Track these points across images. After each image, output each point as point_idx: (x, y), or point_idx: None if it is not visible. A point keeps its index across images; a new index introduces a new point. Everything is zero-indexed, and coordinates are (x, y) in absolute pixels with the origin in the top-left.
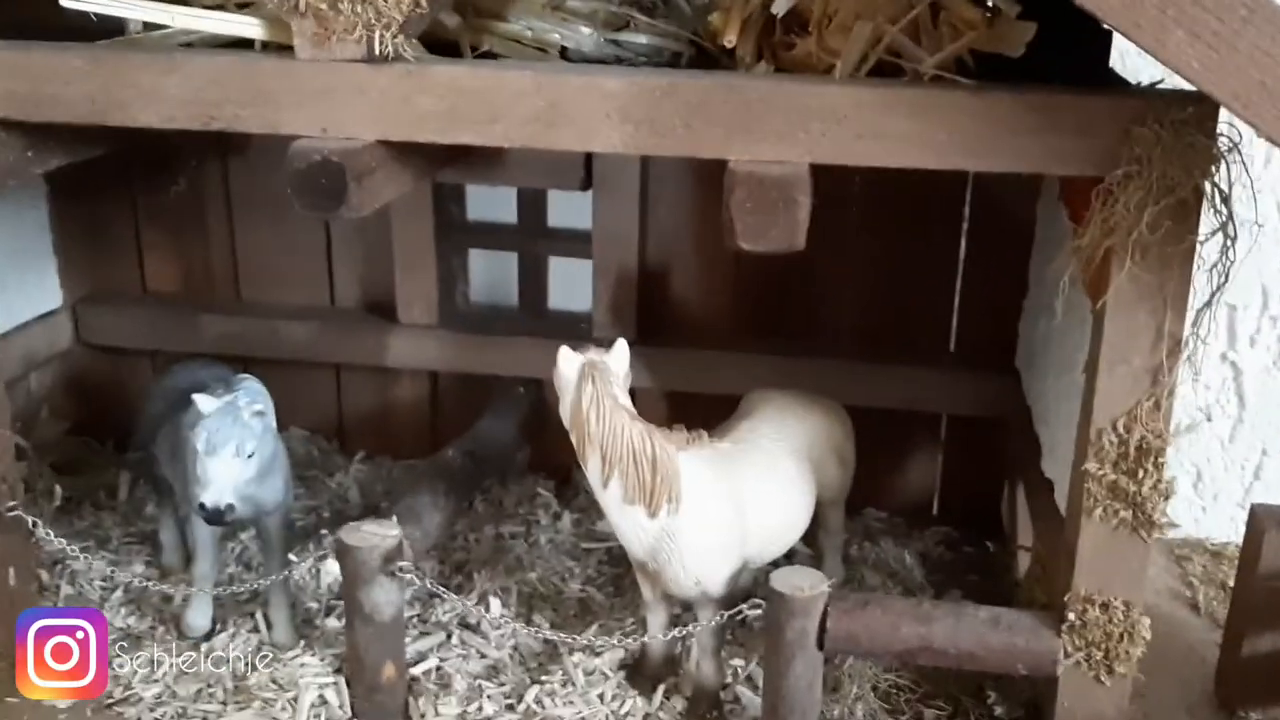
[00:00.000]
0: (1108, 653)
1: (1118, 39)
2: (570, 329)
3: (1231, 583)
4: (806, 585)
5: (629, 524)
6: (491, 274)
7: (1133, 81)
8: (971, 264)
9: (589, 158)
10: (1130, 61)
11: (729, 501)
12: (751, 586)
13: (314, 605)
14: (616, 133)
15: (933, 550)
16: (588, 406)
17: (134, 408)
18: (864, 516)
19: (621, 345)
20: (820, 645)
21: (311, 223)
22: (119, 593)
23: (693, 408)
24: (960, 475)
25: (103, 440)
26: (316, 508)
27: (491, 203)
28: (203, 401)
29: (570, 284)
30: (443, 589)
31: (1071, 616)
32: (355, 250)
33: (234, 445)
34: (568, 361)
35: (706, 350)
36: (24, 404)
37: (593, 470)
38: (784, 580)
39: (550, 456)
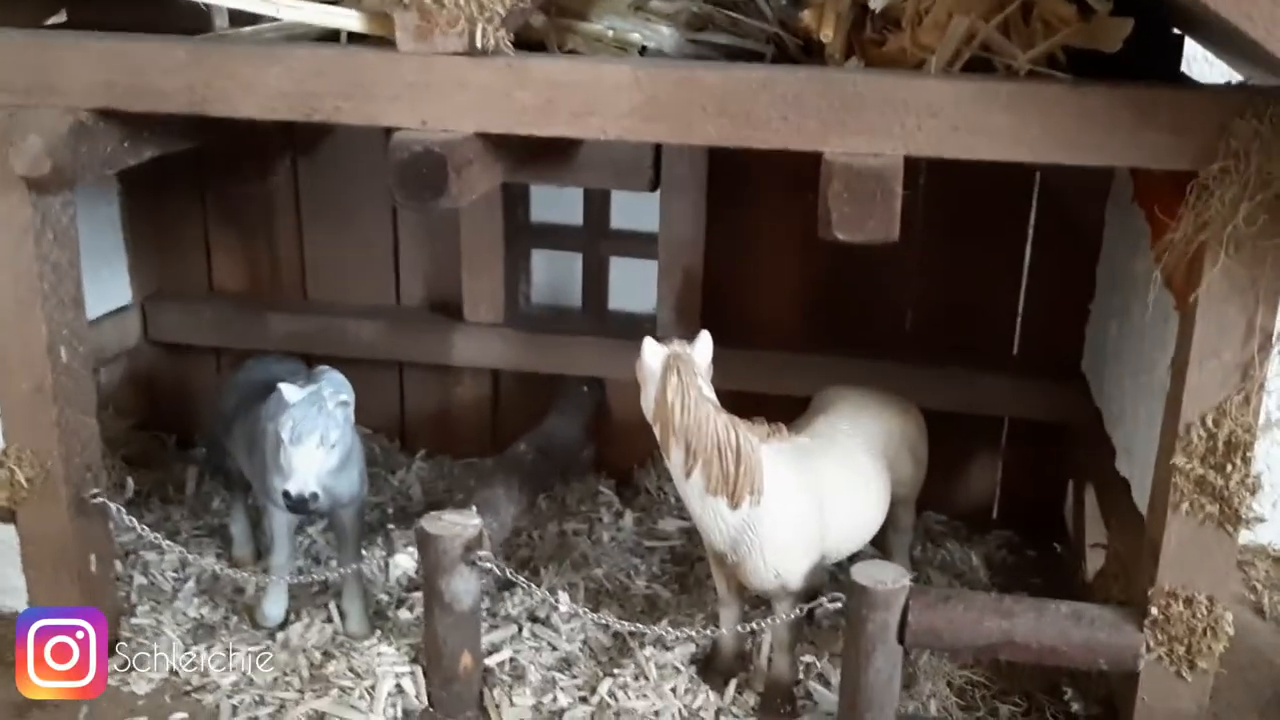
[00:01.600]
0: (1190, 648)
1: (1189, 46)
2: (634, 329)
3: None
4: (888, 578)
5: (711, 515)
6: (555, 275)
7: None
8: (1037, 267)
9: (658, 158)
10: (1197, 68)
11: (810, 495)
12: (822, 585)
13: (384, 598)
14: (713, 125)
15: (995, 554)
16: (673, 397)
17: (200, 405)
18: (925, 519)
19: (705, 337)
20: (901, 639)
21: (379, 223)
22: (191, 583)
23: (757, 409)
24: (1022, 479)
25: (166, 437)
26: (380, 504)
27: (556, 204)
28: (289, 391)
29: (633, 286)
30: (522, 579)
31: (1155, 611)
32: (421, 250)
33: (319, 434)
34: (652, 353)
35: (770, 351)
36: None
37: (676, 461)
38: (865, 573)
39: (612, 456)
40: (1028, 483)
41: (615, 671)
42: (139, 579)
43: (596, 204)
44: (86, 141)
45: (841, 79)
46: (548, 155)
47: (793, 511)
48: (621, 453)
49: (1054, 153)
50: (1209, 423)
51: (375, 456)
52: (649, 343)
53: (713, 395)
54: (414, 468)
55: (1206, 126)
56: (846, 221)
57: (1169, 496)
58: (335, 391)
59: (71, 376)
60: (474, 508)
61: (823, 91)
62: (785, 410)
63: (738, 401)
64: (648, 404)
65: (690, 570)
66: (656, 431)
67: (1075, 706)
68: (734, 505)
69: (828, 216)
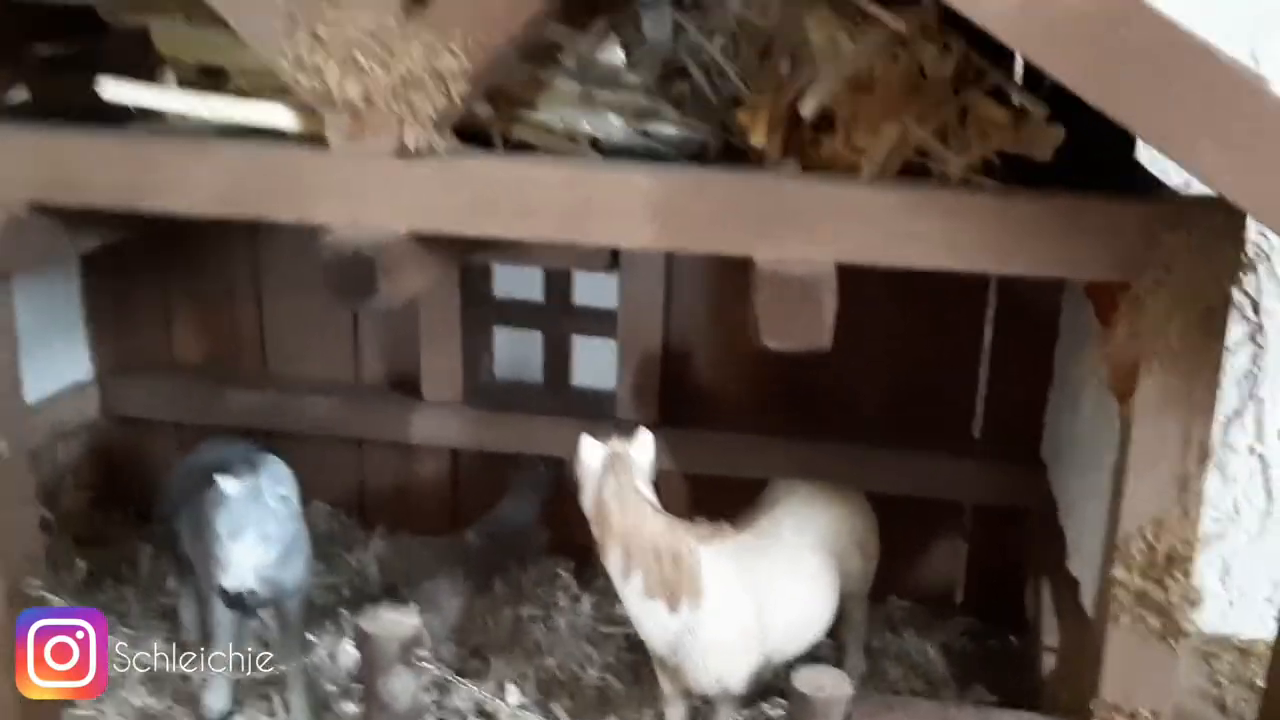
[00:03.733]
0: None
1: None
2: (594, 408)
3: (1260, 681)
4: (829, 685)
5: (649, 618)
6: (516, 351)
7: (1160, 174)
8: (997, 352)
9: None
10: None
11: (751, 597)
12: (772, 682)
13: (332, 688)
14: (647, 229)
15: (956, 642)
16: (610, 498)
17: (158, 479)
18: (886, 604)
19: (645, 435)
20: None
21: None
22: (137, 671)
23: (714, 491)
24: (985, 564)
25: (125, 511)
26: (336, 585)
27: (517, 281)
28: (226, 484)
29: (595, 362)
30: (460, 680)
31: None
32: (381, 326)
33: (257, 530)
34: (591, 451)
35: (729, 434)
36: (50, 474)
37: (614, 563)
38: (806, 680)
39: (571, 536)
40: (992, 567)
41: None
42: None
43: (558, 281)
44: (21, 235)
45: (772, 185)
46: (500, 242)
47: (733, 614)
48: (581, 532)
49: (985, 261)
50: (1148, 536)
51: (333, 533)
52: (587, 441)
53: (652, 496)
54: (372, 546)
55: (1136, 237)
56: (775, 329)
57: (1109, 608)
58: (275, 484)
59: (11, 471)
60: (412, 604)
61: (752, 197)
62: (743, 493)
63: (695, 484)
64: (587, 504)
65: (645, 660)
66: (595, 532)
67: None
68: (673, 609)
69: (756, 323)
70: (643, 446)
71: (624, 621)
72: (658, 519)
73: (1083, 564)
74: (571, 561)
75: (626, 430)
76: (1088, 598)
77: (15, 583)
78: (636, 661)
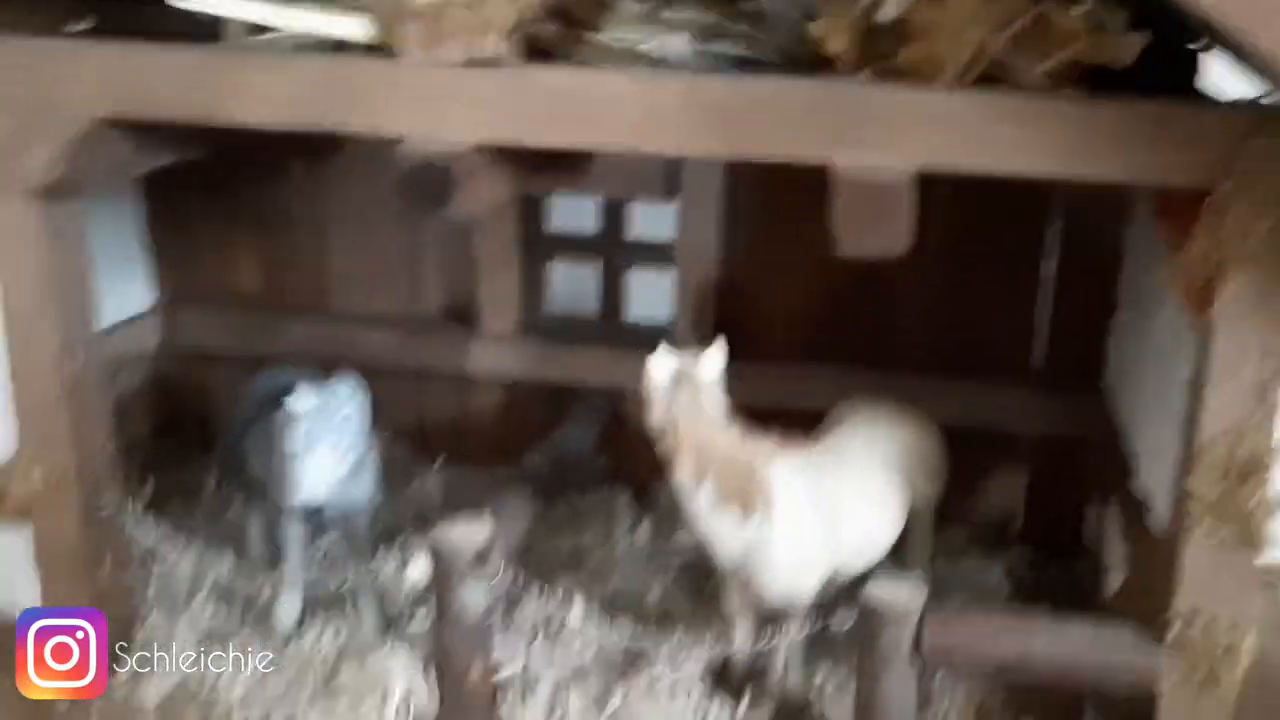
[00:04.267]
0: (1210, 670)
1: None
2: (650, 340)
3: None
4: (902, 595)
5: (719, 531)
6: (571, 286)
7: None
8: (1059, 281)
9: (675, 167)
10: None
11: (820, 510)
12: (836, 598)
13: (399, 606)
14: (717, 138)
15: (1016, 569)
16: (680, 411)
17: (219, 410)
18: (946, 536)
19: (714, 350)
20: (914, 658)
21: (398, 230)
22: (206, 589)
23: (772, 423)
24: (1044, 495)
25: (188, 440)
26: (398, 513)
27: (573, 213)
28: (299, 399)
29: (651, 296)
30: (530, 589)
31: (1174, 633)
32: (440, 258)
33: (329, 443)
34: (659, 366)
35: (787, 365)
36: (114, 402)
37: (684, 475)
38: (878, 590)
39: (628, 468)
40: (1051, 498)
41: (627, 684)
42: (155, 583)
43: (614, 214)
44: (94, 149)
45: (850, 91)
46: (562, 165)
47: (803, 527)
48: (638, 465)
49: (1064, 167)
50: (1226, 444)
51: (393, 465)
52: (656, 356)
53: (721, 409)
54: (431, 476)
55: (1219, 144)
56: (854, 236)
57: (1186, 518)
58: (346, 399)
59: (83, 386)
60: (485, 517)
61: (831, 104)
62: (801, 424)
63: (752, 416)
64: (655, 419)
65: (706, 583)
66: (664, 447)
67: None
68: (743, 519)
69: (835, 231)
70: (711, 361)
71: (684, 549)
72: (729, 430)
73: (1153, 483)
74: (629, 491)
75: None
76: (1159, 515)
77: (91, 497)
78: (697, 586)
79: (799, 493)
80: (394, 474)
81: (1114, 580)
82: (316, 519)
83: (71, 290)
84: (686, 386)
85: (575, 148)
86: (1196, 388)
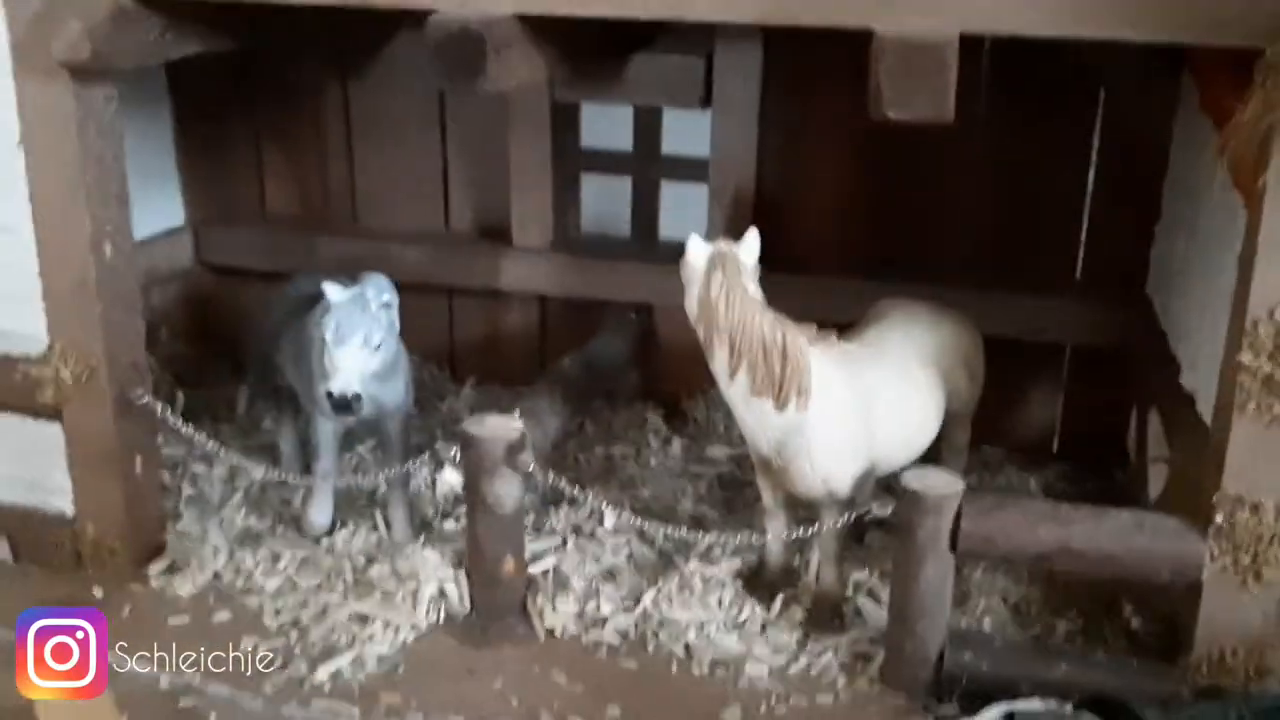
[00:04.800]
0: (1256, 557)
1: None
2: (682, 254)
3: None
4: (940, 483)
5: (755, 418)
6: (603, 204)
7: None
8: (1101, 187)
9: (709, 74)
10: None
11: (859, 398)
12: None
13: (430, 511)
14: (757, 3)
15: (1054, 484)
16: (717, 295)
17: (251, 328)
18: (981, 453)
19: (753, 235)
20: (953, 546)
21: (428, 146)
22: (239, 495)
23: None
24: (1082, 409)
25: (219, 356)
26: (429, 427)
27: (606, 129)
28: (333, 291)
29: (683, 215)
30: (566, 485)
31: (1219, 518)
32: (470, 174)
33: (362, 335)
34: (697, 250)
35: (824, 276)
36: (146, 319)
37: (720, 362)
38: (917, 478)
39: (659, 385)
40: (1088, 413)
41: (660, 583)
42: (186, 490)
43: (647, 127)
44: (126, 27)
45: None
46: (596, 69)
47: (841, 414)
48: (669, 382)
49: (1114, 27)
50: (1276, 317)
51: (424, 382)
52: (694, 240)
53: (759, 294)
54: (463, 394)
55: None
56: (898, 98)
57: (1234, 397)
58: (379, 293)
59: (115, 274)
60: (517, 413)
61: None
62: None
63: None
64: (692, 304)
65: (739, 494)
66: (700, 332)
67: (1135, 623)
68: (780, 407)
69: (878, 93)
70: (750, 245)
71: (716, 462)
72: (766, 315)
73: (1198, 377)
74: (661, 409)
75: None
76: (1206, 406)
77: (123, 391)
78: (729, 497)
79: (837, 380)
80: (425, 394)
81: (1155, 489)
82: (349, 416)
83: (104, 176)
84: (725, 268)
85: (611, 16)
86: (1245, 261)
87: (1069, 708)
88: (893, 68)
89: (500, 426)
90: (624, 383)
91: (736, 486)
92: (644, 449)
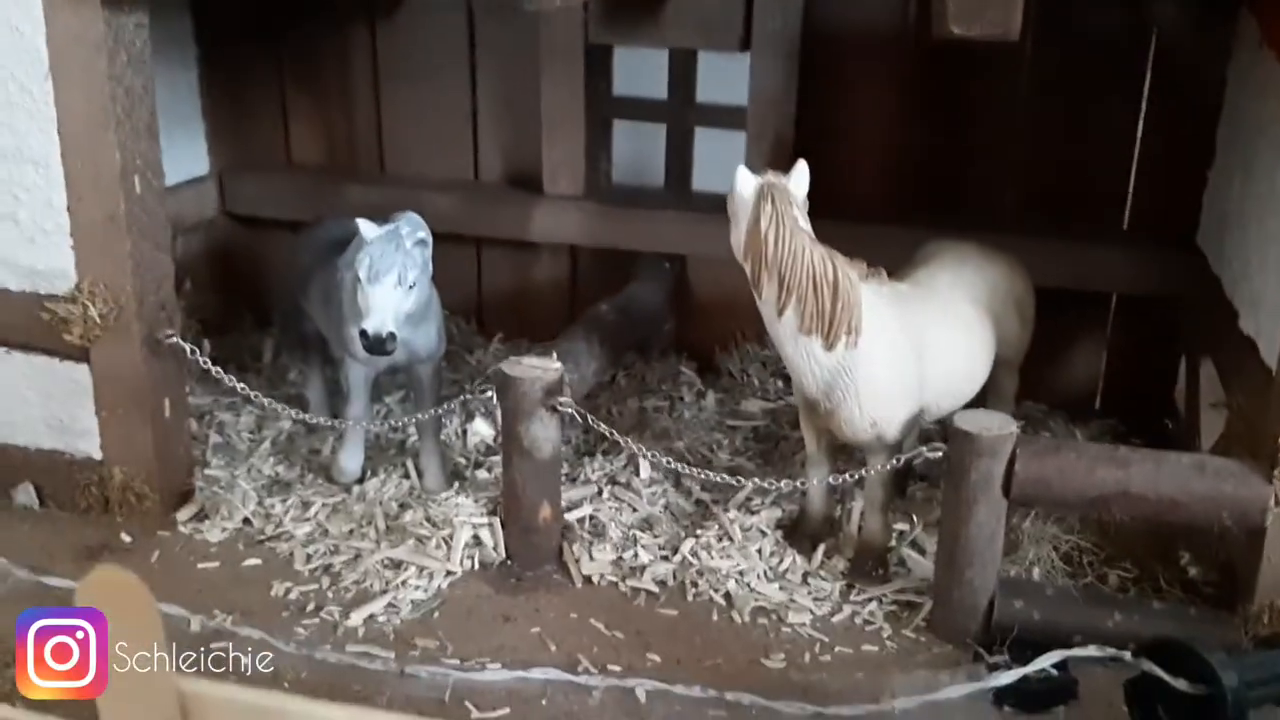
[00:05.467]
0: None
1: None
2: (718, 204)
3: None
4: (994, 425)
5: (804, 357)
6: (637, 154)
7: None
8: (1152, 132)
9: (749, 14)
10: None
11: (910, 338)
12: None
13: (462, 461)
14: None
15: (1100, 439)
16: (766, 228)
17: (277, 276)
18: (1024, 409)
19: (802, 167)
20: (1007, 490)
21: (457, 94)
22: (267, 443)
23: None
24: (1128, 362)
25: (245, 306)
26: (458, 380)
27: (639, 77)
28: (366, 228)
29: (718, 165)
30: (604, 427)
31: None
32: (500, 122)
33: (396, 273)
34: (746, 181)
35: (866, 224)
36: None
37: (768, 297)
38: (969, 420)
39: (693, 338)
40: (1135, 365)
41: (698, 532)
42: (214, 438)
43: (682, 73)
44: None
45: None
46: (633, 7)
47: (892, 355)
48: (703, 335)
49: None
50: None
51: (451, 335)
52: (742, 171)
53: (809, 227)
54: (492, 349)
55: None
56: (964, 11)
57: None
58: (413, 230)
59: (145, 208)
60: (555, 354)
61: None
62: None
63: None
64: (739, 239)
65: (775, 448)
66: (748, 268)
67: (1192, 572)
68: (829, 346)
69: (943, 8)
70: (799, 178)
71: (751, 415)
72: (816, 249)
73: (1259, 320)
74: (694, 363)
75: None
76: (1269, 347)
77: (152, 330)
78: (765, 450)
79: (888, 319)
80: (453, 348)
81: (1207, 442)
82: (383, 356)
83: (134, 106)
84: (775, 200)
85: None
86: None
87: (1127, 655)
88: None
89: (538, 367)
90: (659, 332)
91: (773, 440)
92: (678, 402)
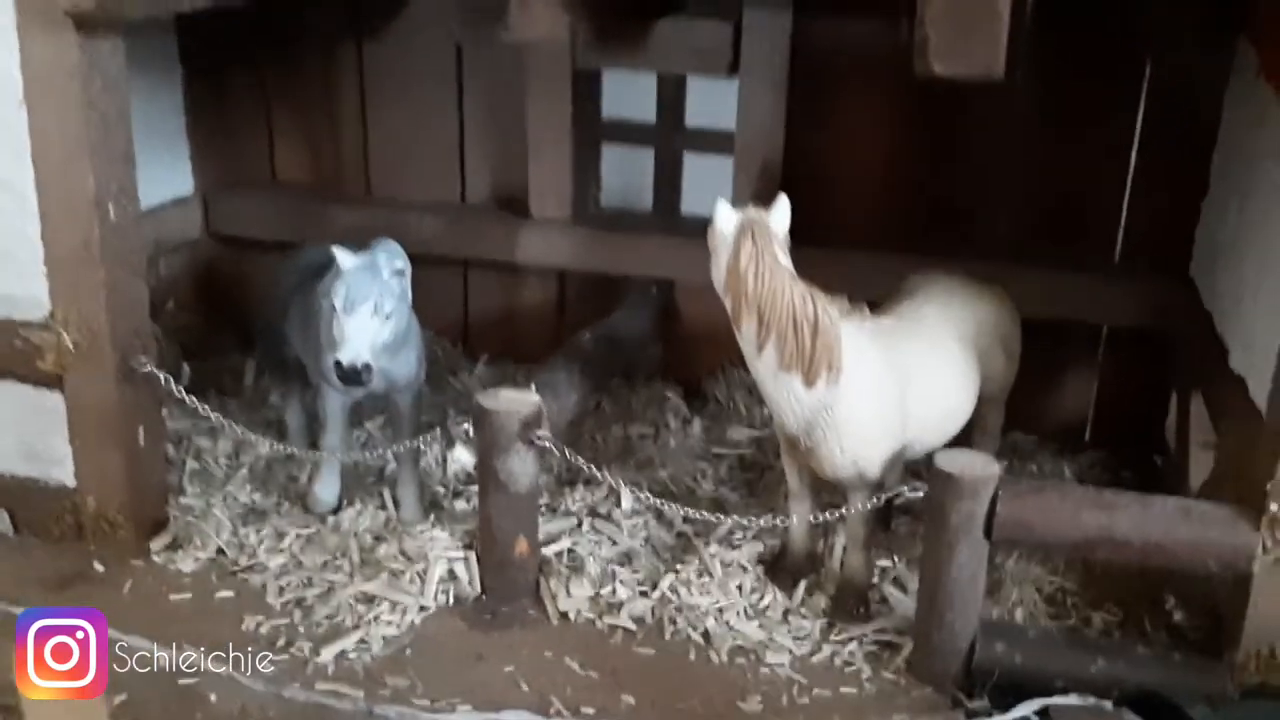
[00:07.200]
0: None
1: None
2: (706, 228)
3: None
4: (976, 465)
5: (784, 394)
6: (625, 177)
7: None
8: (1145, 164)
9: (737, 39)
10: None
11: (892, 376)
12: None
13: (440, 490)
14: None
15: (1088, 474)
16: (746, 264)
17: (259, 299)
18: (1012, 439)
19: (783, 202)
20: (988, 532)
21: (444, 115)
22: (244, 470)
23: None
24: (1118, 395)
25: (227, 328)
26: (441, 404)
27: (628, 101)
28: (343, 256)
29: (706, 189)
30: (582, 462)
31: (1274, 507)
32: (488, 144)
33: (372, 303)
34: (726, 217)
35: (853, 253)
36: (153, 288)
37: (748, 334)
38: (951, 460)
39: (680, 364)
40: (1124, 399)
41: (678, 568)
42: (190, 464)
43: (671, 97)
44: None
45: None
46: (621, 32)
47: (873, 392)
48: (690, 361)
49: None
50: None
51: (437, 358)
52: (722, 205)
53: (789, 264)
54: (477, 372)
55: None
56: (947, 49)
57: None
58: (391, 259)
59: (120, 235)
60: (533, 387)
61: None
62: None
63: None
64: (719, 273)
65: (760, 478)
66: (727, 303)
67: (1177, 616)
68: (809, 383)
69: (924, 45)
70: (780, 213)
71: (737, 444)
72: (796, 286)
73: (1251, 359)
74: (681, 388)
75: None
76: (1259, 387)
77: (126, 358)
78: (750, 480)
79: (870, 356)
80: (437, 370)
81: (1197, 479)
82: (358, 387)
83: (109, 133)
84: (755, 235)
85: None
86: None
87: (1108, 705)
88: (942, 15)
89: (515, 400)
90: (644, 359)
91: (758, 469)
92: (663, 429)
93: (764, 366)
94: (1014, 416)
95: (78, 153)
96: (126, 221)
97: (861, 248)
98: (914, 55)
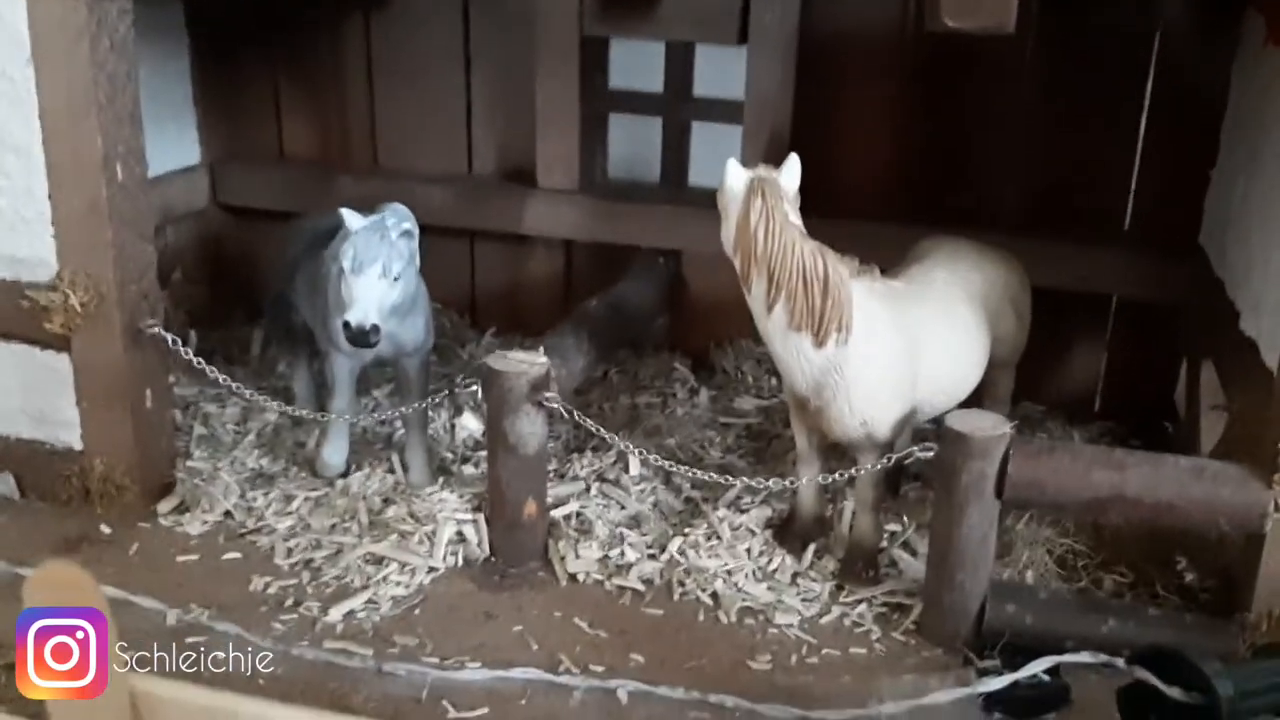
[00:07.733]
0: None
1: None
2: (714, 198)
3: None
4: (988, 425)
5: (793, 354)
6: (633, 148)
7: None
8: (1154, 131)
9: (746, 7)
10: None
11: (902, 336)
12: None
13: (449, 456)
14: None
15: (1098, 442)
16: (756, 222)
17: (266, 267)
18: (1021, 409)
19: (794, 161)
20: (999, 492)
21: (451, 86)
22: (251, 435)
23: None
24: (1128, 364)
25: (234, 298)
26: (449, 374)
27: (636, 71)
28: (351, 218)
29: (714, 159)
30: (590, 424)
31: None
32: (495, 115)
33: (380, 264)
34: (736, 175)
35: (863, 222)
36: (159, 259)
37: (757, 294)
38: (962, 420)
39: (687, 335)
40: (1134, 369)
41: (686, 531)
42: (198, 429)
43: (678, 67)
44: None
45: None
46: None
47: (883, 352)
48: (697, 331)
49: None
50: None
51: (444, 329)
52: (732, 164)
53: (799, 222)
54: (484, 343)
55: None
56: (958, 4)
57: None
58: (399, 221)
59: (127, 196)
60: (542, 349)
61: None
62: None
63: None
64: (728, 233)
65: (767, 446)
66: (737, 263)
67: (1189, 577)
68: (819, 343)
69: (936, 2)
70: (790, 172)
71: (744, 413)
72: (807, 244)
73: (1261, 321)
74: (688, 359)
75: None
76: (1270, 349)
77: (133, 320)
78: (758, 448)
79: (880, 316)
80: (444, 342)
81: (1207, 446)
82: (367, 349)
83: (117, 93)
84: (765, 194)
85: None
86: None
87: (1120, 662)
88: None
89: (524, 361)
90: (652, 330)
91: (765, 438)
92: (670, 399)
93: (773, 326)
94: (1023, 386)
95: (85, 113)
96: (134, 183)
97: (870, 218)
98: (925, 11)
